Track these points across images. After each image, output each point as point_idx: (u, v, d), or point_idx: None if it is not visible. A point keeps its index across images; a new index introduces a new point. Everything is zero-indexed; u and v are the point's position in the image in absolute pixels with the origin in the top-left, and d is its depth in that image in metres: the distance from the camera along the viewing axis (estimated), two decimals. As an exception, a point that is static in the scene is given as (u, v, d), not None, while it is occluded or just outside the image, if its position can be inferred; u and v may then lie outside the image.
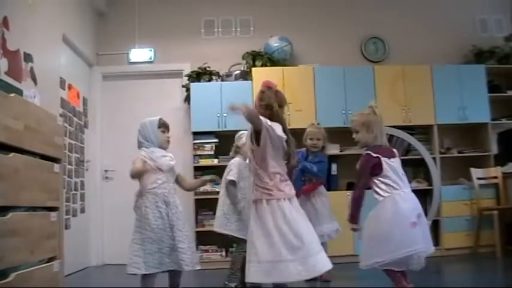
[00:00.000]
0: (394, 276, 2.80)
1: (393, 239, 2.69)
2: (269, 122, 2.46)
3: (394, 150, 3.00)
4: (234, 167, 3.54)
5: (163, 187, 2.95)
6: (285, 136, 2.50)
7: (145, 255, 2.81)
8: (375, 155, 2.85)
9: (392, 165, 2.86)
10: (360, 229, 2.92)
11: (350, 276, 4.00)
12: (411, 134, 5.18)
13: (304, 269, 2.33)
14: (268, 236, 2.37)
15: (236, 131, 3.74)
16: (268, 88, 2.64)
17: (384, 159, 2.85)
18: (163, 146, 3.08)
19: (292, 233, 2.36)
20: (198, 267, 2.97)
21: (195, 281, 4.20)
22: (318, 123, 4.11)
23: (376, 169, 2.85)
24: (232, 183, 3.47)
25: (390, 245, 2.69)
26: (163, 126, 3.10)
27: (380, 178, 2.84)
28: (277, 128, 2.48)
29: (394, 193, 2.80)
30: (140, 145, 3.04)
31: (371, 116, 2.98)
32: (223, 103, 5.04)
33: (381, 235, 2.75)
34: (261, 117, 2.45)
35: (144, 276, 2.83)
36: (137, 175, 2.88)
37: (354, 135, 3.04)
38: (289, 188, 2.51)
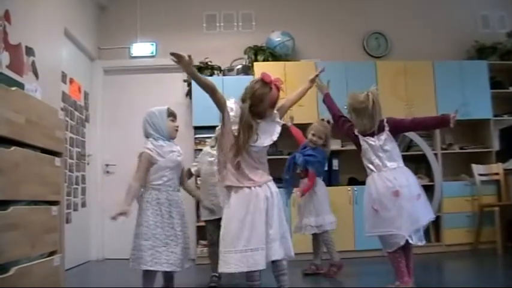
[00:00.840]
0: (398, 269, 2.78)
1: (365, 220, 2.95)
2: (232, 115, 2.45)
3: (384, 122, 2.96)
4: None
5: (167, 184, 2.92)
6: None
7: (138, 251, 2.78)
8: (356, 133, 3.00)
9: (371, 145, 2.92)
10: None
11: (351, 273, 3.99)
12: (413, 130, 5.16)
13: (270, 254, 2.34)
14: (241, 225, 2.31)
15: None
16: (257, 81, 2.53)
17: (363, 138, 2.95)
18: (172, 135, 3.04)
19: (260, 221, 2.33)
20: (186, 266, 2.96)
21: (195, 276, 4.20)
22: (328, 121, 3.93)
23: (356, 144, 3.01)
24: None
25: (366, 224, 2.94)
26: (172, 115, 3.07)
27: (363, 159, 2.99)
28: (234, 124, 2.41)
29: (370, 176, 2.94)
30: (148, 135, 2.98)
31: (363, 104, 2.92)
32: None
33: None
34: (228, 103, 2.53)
35: (144, 272, 2.83)
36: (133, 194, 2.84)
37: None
38: (259, 176, 2.44)
